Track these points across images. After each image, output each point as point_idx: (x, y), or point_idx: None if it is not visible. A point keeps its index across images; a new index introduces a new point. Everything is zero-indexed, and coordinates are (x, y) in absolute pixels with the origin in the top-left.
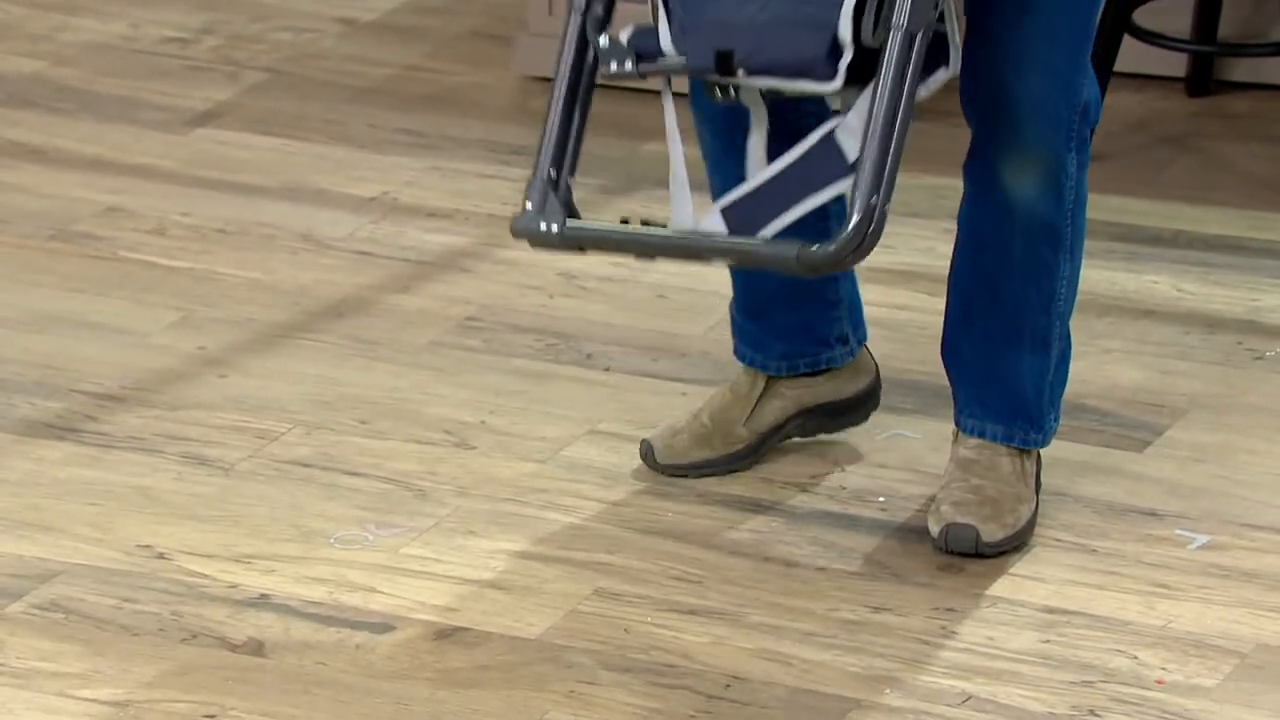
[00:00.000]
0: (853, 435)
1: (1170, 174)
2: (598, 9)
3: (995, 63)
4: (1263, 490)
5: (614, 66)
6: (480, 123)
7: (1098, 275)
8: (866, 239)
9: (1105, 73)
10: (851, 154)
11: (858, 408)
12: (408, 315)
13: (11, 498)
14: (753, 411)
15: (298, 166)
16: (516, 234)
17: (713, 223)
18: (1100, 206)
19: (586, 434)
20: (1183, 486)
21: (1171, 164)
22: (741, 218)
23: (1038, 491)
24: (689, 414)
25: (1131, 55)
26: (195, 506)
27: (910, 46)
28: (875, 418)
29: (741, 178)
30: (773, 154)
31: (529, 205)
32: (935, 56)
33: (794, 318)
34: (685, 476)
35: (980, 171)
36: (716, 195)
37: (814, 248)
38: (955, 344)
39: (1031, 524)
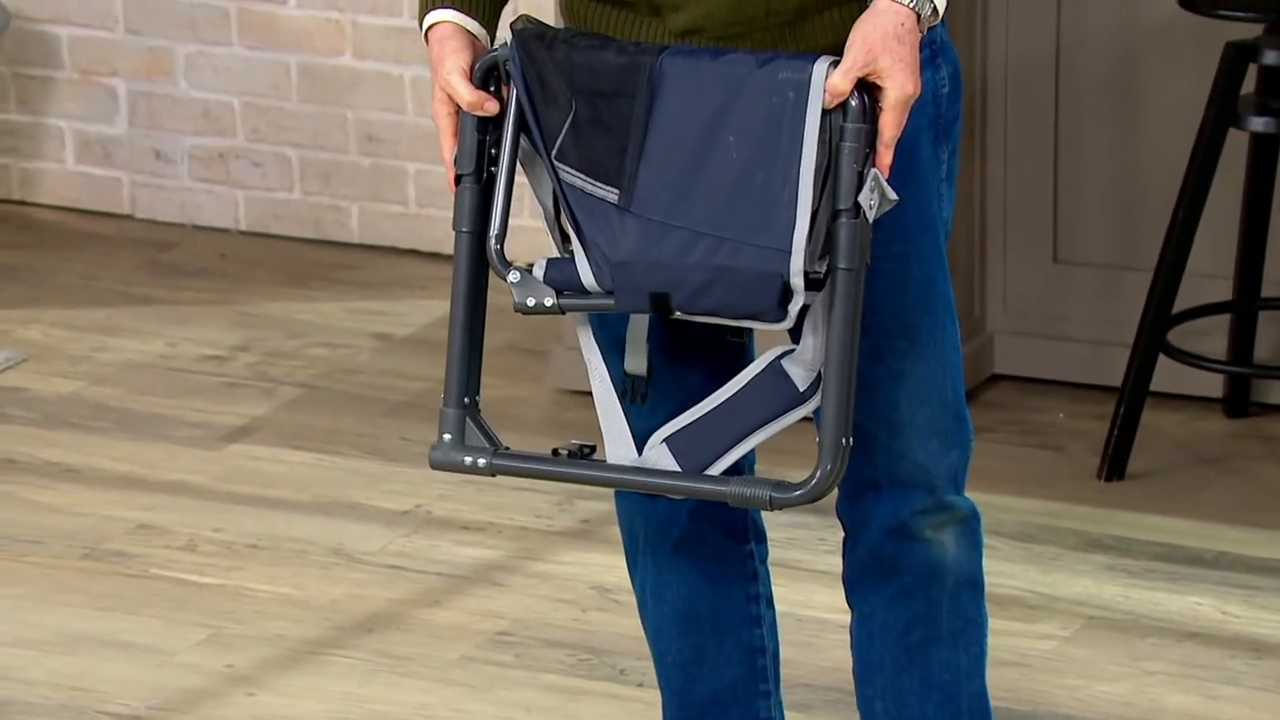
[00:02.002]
0: None
1: (1211, 495)
2: (495, 230)
3: (899, 434)
4: None
5: (530, 302)
6: (514, 435)
7: (1139, 595)
8: (836, 477)
9: (1141, 392)
10: (801, 382)
11: None
12: (439, 630)
13: None
14: None
15: (331, 481)
16: (436, 466)
17: (658, 456)
18: (1140, 526)
19: None
20: None
21: (1212, 485)
22: (688, 451)
23: None
24: None
25: (1168, 376)
26: None
27: (856, 283)
28: None
29: (622, 370)
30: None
31: (446, 436)
32: None
33: None
34: None
35: (891, 541)
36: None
37: (786, 491)
38: None
39: None
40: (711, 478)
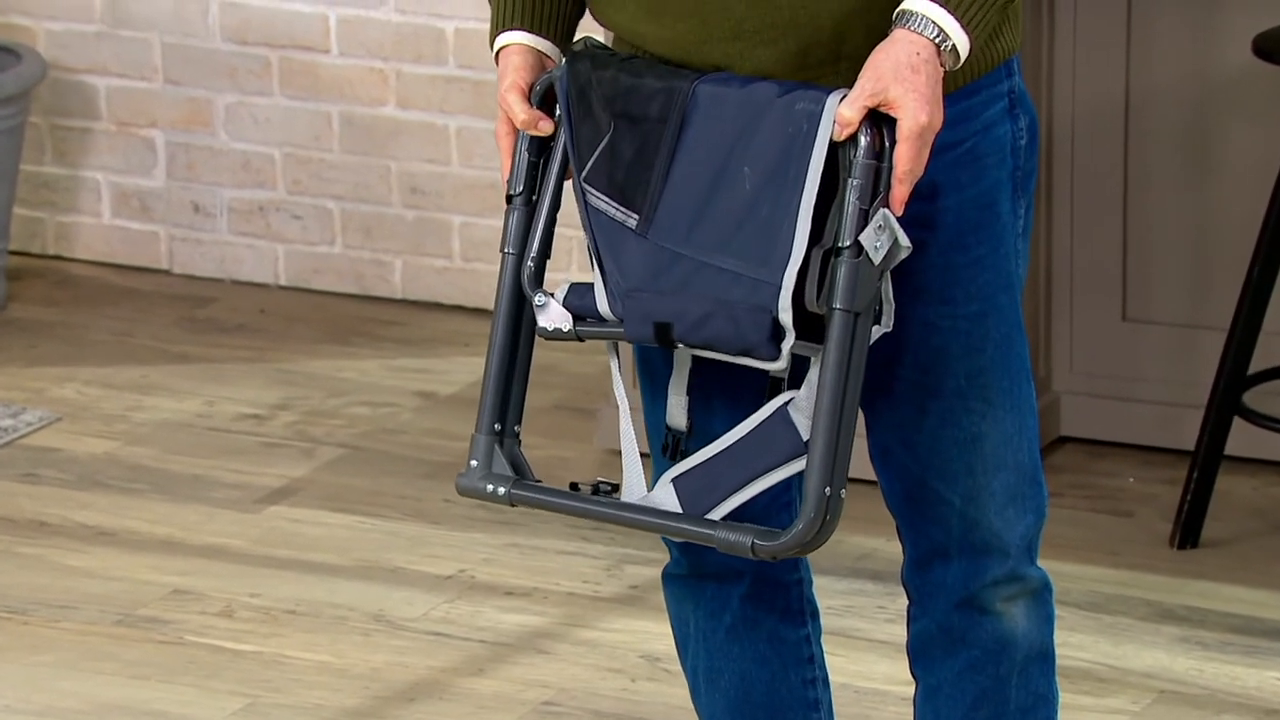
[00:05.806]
0: None
1: None
2: (532, 253)
3: (974, 500)
4: None
5: (550, 326)
6: None
7: (1215, 669)
8: (822, 529)
9: (1215, 456)
10: (805, 431)
11: None
12: (483, 699)
13: None
14: None
15: (372, 544)
16: (461, 492)
17: (664, 496)
18: (1215, 596)
19: None
20: None
21: None
22: (693, 493)
23: None
24: None
25: (1243, 439)
26: None
27: (853, 326)
28: None
29: (663, 420)
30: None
31: (473, 463)
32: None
33: None
34: None
35: (960, 614)
36: (651, 432)
37: (769, 540)
38: None
39: None
40: (701, 521)
